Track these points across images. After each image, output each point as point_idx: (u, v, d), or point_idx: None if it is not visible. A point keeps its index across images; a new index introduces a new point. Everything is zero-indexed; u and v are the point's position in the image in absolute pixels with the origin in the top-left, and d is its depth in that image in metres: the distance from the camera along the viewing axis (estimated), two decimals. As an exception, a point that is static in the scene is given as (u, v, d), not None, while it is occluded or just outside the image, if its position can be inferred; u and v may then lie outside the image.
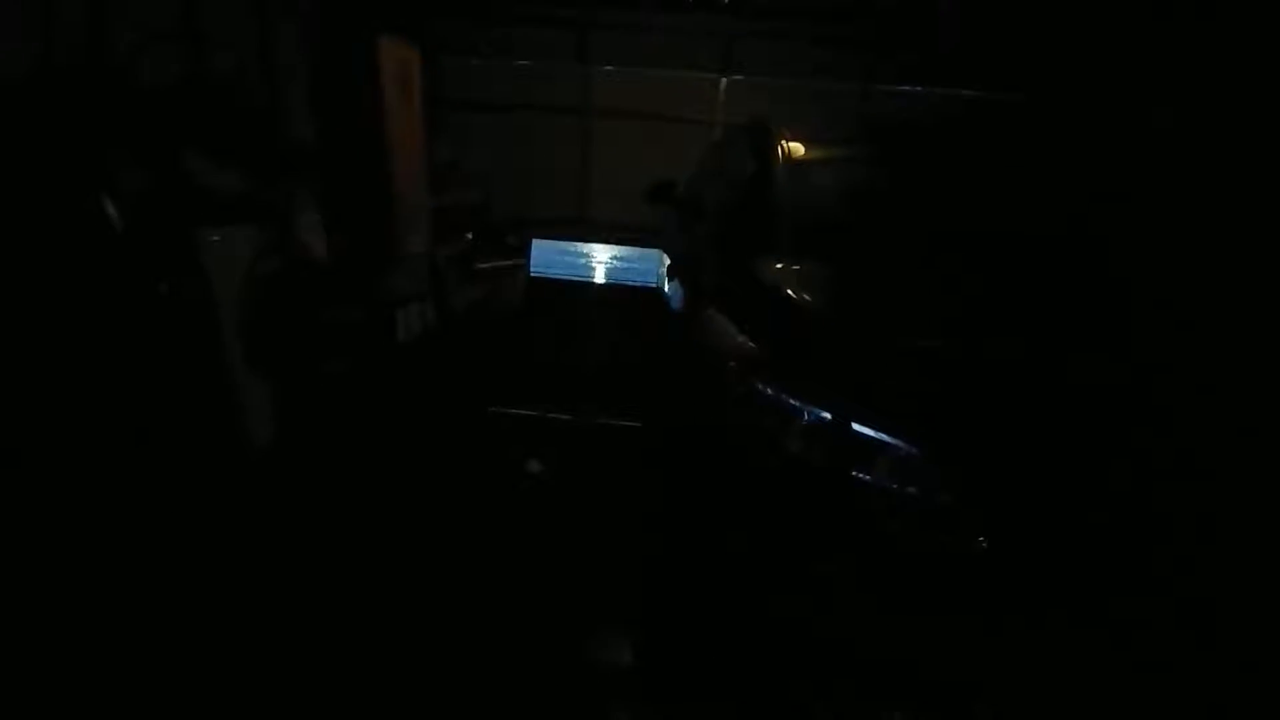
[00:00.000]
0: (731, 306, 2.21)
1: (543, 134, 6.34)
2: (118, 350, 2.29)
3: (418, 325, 3.85)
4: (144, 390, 2.35)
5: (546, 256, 6.56)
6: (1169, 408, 1.70)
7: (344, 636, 1.96)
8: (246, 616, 1.99)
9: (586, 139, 6.39)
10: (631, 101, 6.21)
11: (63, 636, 1.84)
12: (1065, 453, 1.61)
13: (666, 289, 3.72)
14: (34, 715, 1.65)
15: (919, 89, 5.96)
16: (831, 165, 2.77)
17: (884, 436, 1.60)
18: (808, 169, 2.67)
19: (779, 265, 2.22)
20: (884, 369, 1.74)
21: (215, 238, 2.47)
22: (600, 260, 7.21)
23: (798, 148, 2.72)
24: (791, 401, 1.72)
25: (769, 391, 1.77)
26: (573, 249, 7.22)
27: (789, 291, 2.06)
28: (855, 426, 1.62)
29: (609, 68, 6.17)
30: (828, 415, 1.66)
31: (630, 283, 6.41)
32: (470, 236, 4.76)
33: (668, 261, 3.93)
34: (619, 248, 7.08)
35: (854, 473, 1.61)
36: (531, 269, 6.07)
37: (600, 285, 6.33)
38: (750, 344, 1.97)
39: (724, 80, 6.16)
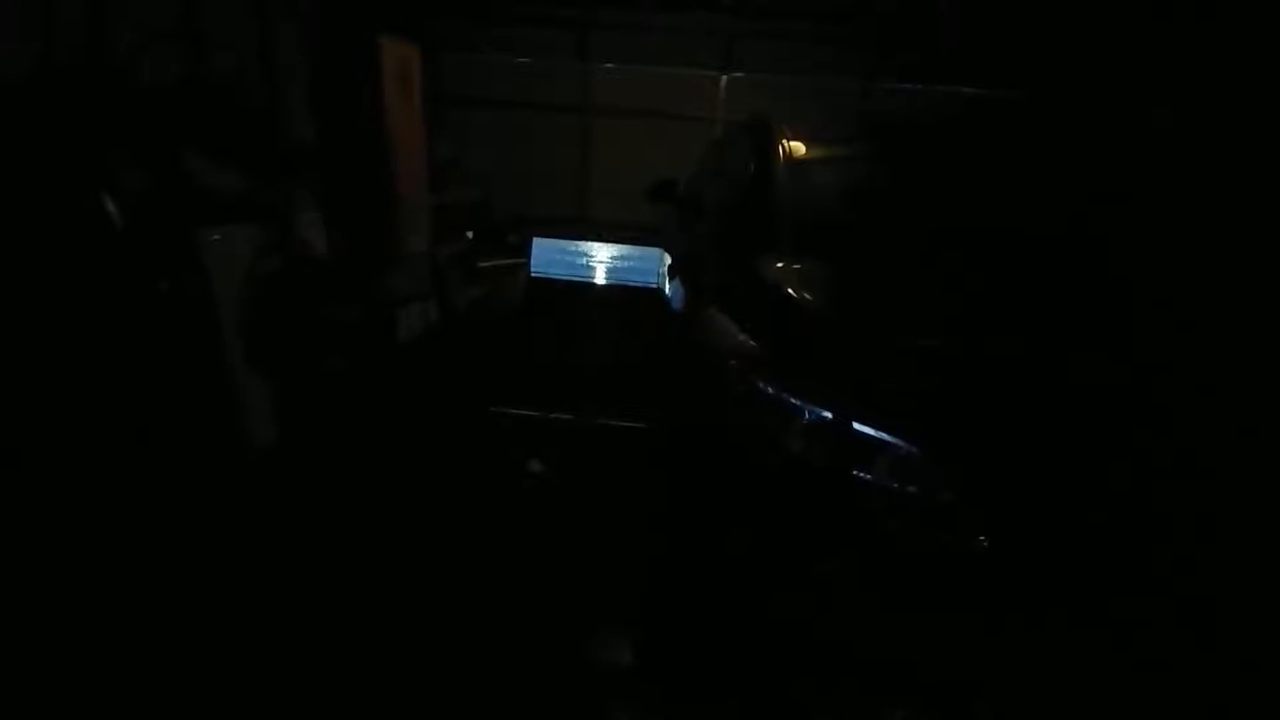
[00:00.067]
0: (732, 305, 2.21)
1: (543, 132, 6.33)
2: (118, 348, 2.29)
3: (419, 324, 3.85)
4: (145, 388, 2.35)
5: (547, 255, 6.57)
6: (1169, 408, 1.70)
7: (345, 636, 1.96)
8: (247, 615, 1.99)
9: (587, 137, 6.39)
10: (632, 99, 6.21)
11: (64, 635, 1.84)
12: (1065, 452, 1.61)
13: (667, 288, 3.72)
14: (35, 715, 1.66)
15: (920, 87, 5.95)
16: (832, 164, 2.77)
17: (885, 435, 1.60)
18: (809, 167, 2.66)
19: (780, 264, 2.22)
20: (885, 368, 1.74)
21: (216, 236, 2.47)
22: (601, 259, 7.21)
23: (799, 146, 2.72)
24: (792, 400, 1.72)
25: (770, 390, 1.77)
26: (573, 248, 7.23)
27: (790, 290, 2.05)
28: (856, 425, 1.62)
29: (609, 65, 6.17)
30: (828, 414, 1.66)
31: (631, 282, 6.43)
32: (471, 235, 4.76)
33: (668, 260, 3.93)
34: (620, 246, 7.08)
35: (855, 472, 1.61)
36: (532, 268, 6.07)
37: (601, 285, 6.33)
38: (751, 343, 1.97)
39: (724, 78, 6.15)
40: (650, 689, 1.90)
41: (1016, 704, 1.61)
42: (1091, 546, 1.56)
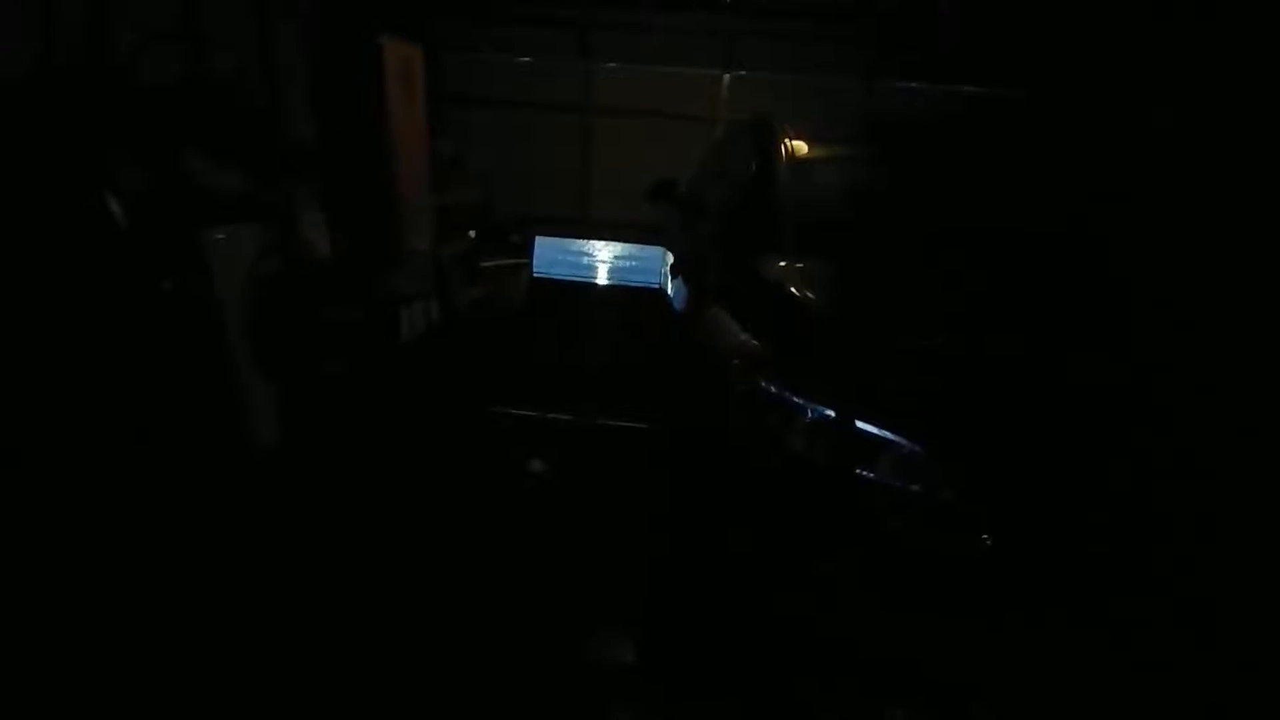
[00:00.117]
0: (735, 304, 2.21)
1: (545, 132, 6.33)
2: (122, 348, 2.29)
3: (421, 324, 3.85)
4: (148, 388, 2.36)
5: (550, 255, 6.58)
6: (1169, 408, 1.70)
7: (347, 635, 1.97)
8: (250, 615, 2.00)
9: (588, 136, 6.38)
10: (634, 99, 6.21)
11: (66, 634, 1.84)
12: (1066, 452, 1.61)
13: (669, 287, 3.72)
14: (37, 715, 1.66)
15: (922, 86, 5.95)
16: (835, 163, 2.77)
17: (887, 434, 1.60)
18: (811, 166, 2.66)
19: (782, 263, 2.22)
20: (887, 367, 1.74)
21: (219, 236, 2.47)
22: (603, 259, 7.22)
23: (801, 145, 2.72)
24: (795, 399, 1.72)
25: (772, 389, 1.77)
26: (576, 247, 7.25)
27: (792, 289, 2.06)
28: (859, 424, 1.63)
29: (611, 65, 6.16)
30: (831, 413, 1.67)
31: (633, 282, 6.43)
32: (473, 235, 4.75)
33: (670, 259, 3.93)
34: (622, 246, 7.09)
35: (857, 470, 1.61)
36: (535, 268, 6.07)
37: (603, 285, 6.33)
38: (754, 342, 1.97)
39: (726, 77, 6.15)
40: (652, 688, 1.91)
41: (1016, 704, 1.61)
42: (1092, 546, 1.57)
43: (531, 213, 6.17)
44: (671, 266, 3.80)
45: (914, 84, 5.97)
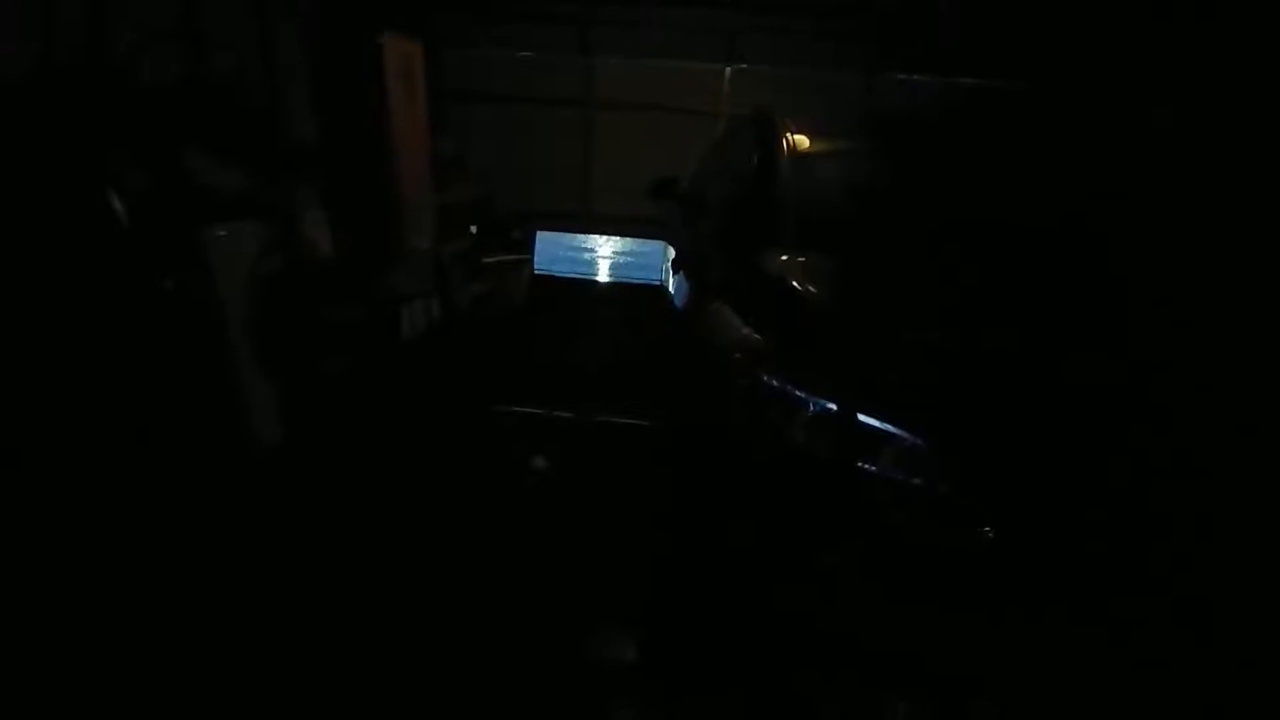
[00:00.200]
0: (737, 299, 2.21)
1: (546, 128, 6.32)
2: (123, 346, 2.30)
3: (422, 322, 3.85)
4: (150, 387, 2.37)
5: (551, 251, 6.57)
6: (1168, 406, 1.69)
7: (348, 633, 1.97)
8: (250, 613, 2.00)
9: (590, 132, 6.37)
10: (635, 94, 6.19)
11: (67, 634, 1.85)
12: (1066, 448, 1.61)
13: (671, 283, 3.72)
14: (37, 714, 1.67)
15: (923, 80, 5.93)
16: (836, 157, 2.76)
17: (889, 428, 1.60)
18: (813, 161, 2.65)
19: (784, 257, 2.22)
20: (889, 361, 1.73)
21: (220, 234, 2.47)
22: (604, 255, 7.20)
23: (802, 140, 2.71)
24: (797, 393, 1.72)
25: (774, 383, 1.77)
26: (577, 242, 7.23)
27: (794, 283, 2.05)
28: (861, 418, 1.62)
29: (612, 60, 6.15)
30: (833, 407, 1.66)
31: (634, 279, 6.42)
32: (474, 232, 4.76)
33: (672, 255, 3.93)
34: (623, 241, 7.07)
35: (859, 464, 1.61)
36: (536, 265, 6.06)
37: (605, 281, 6.33)
38: (755, 336, 1.97)
39: (728, 71, 6.13)
40: (654, 684, 1.91)
41: (1017, 697, 1.61)
42: (1091, 542, 1.56)
43: (533, 208, 6.17)
44: (673, 262, 3.80)
45: (915, 78, 5.94)
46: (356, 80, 3.25)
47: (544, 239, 6.33)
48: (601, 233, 6.92)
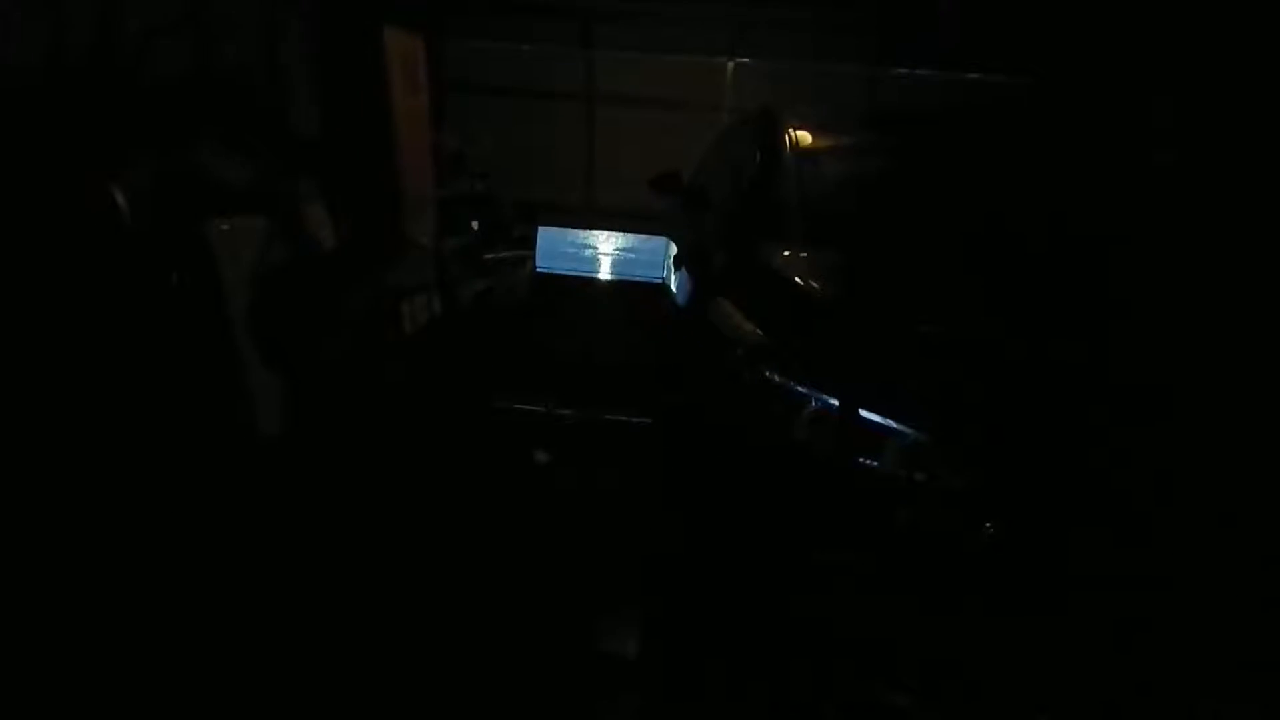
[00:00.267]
0: (739, 294, 2.21)
1: (549, 122, 6.32)
2: (129, 340, 2.30)
3: (423, 317, 3.85)
4: (155, 379, 2.37)
5: (553, 247, 6.57)
6: (1174, 404, 1.69)
7: (348, 625, 1.98)
8: (253, 602, 2.01)
9: (593, 126, 6.37)
10: (639, 88, 6.18)
11: (70, 627, 1.86)
12: (1072, 443, 1.60)
13: (673, 278, 3.72)
14: (40, 707, 1.67)
15: (927, 73, 5.92)
16: (840, 152, 2.75)
17: (892, 423, 1.60)
18: (816, 156, 2.65)
19: (787, 253, 2.21)
20: (893, 356, 1.73)
21: (224, 228, 2.48)
22: (607, 250, 7.20)
23: (806, 135, 2.70)
24: (799, 389, 1.72)
25: (777, 379, 1.77)
26: (579, 238, 7.23)
27: (797, 279, 2.05)
28: (863, 413, 1.62)
29: (616, 54, 6.14)
30: (835, 402, 1.66)
31: (636, 275, 6.42)
32: (476, 226, 4.75)
33: (674, 250, 3.92)
34: (626, 236, 7.07)
35: (862, 460, 1.61)
36: (538, 261, 6.06)
37: (607, 277, 6.32)
38: (758, 332, 1.97)
39: (731, 65, 6.12)
40: (654, 679, 1.92)
41: (1018, 694, 1.61)
42: (1093, 541, 1.56)
43: (536, 203, 6.17)
44: (675, 257, 3.79)
45: (919, 72, 5.93)
46: (358, 73, 3.25)
47: (546, 235, 6.32)
48: (604, 228, 6.91)
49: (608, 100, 6.28)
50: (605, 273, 6.92)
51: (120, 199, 2.25)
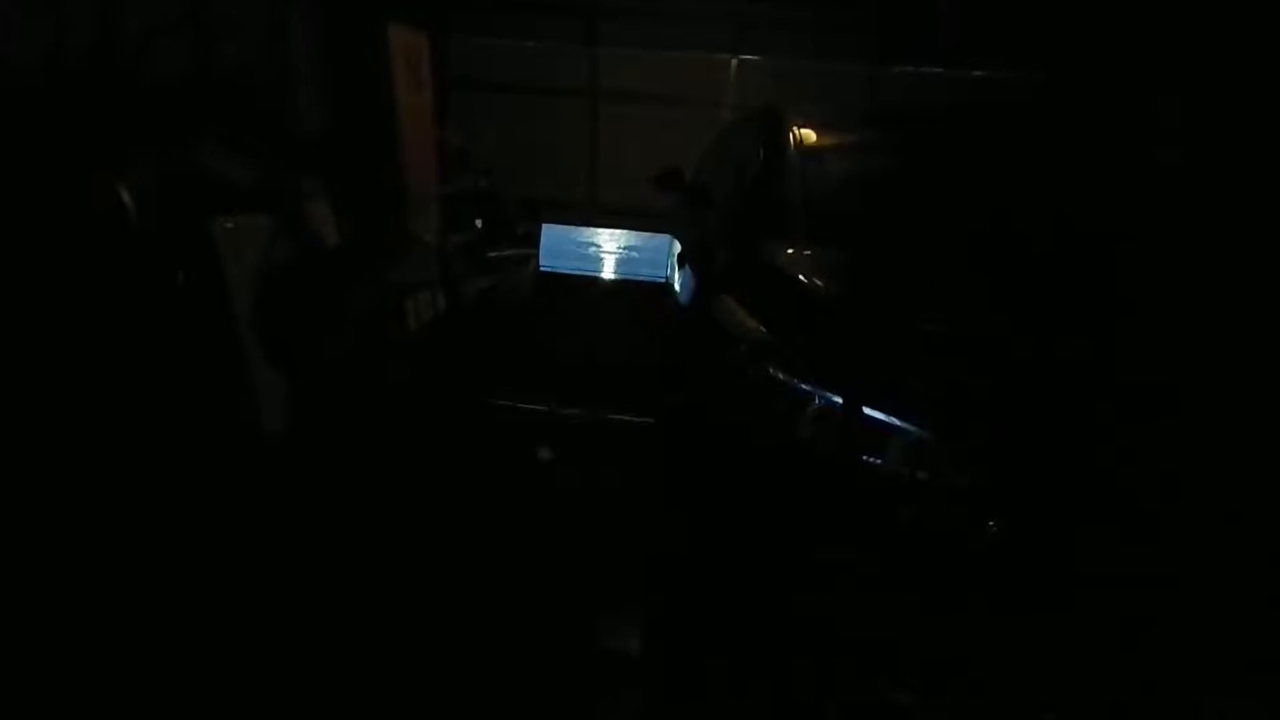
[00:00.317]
0: (742, 292, 2.20)
1: (553, 119, 6.31)
2: (132, 338, 2.31)
3: (427, 314, 3.86)
4: (157, 377, 2.38)
5: (556, 244, 6.57)
6: (1180, 402, 1.68)
7: (349, 623, 1.98)
8: (257, 598, 2.02)
9: (596, 123, 6.36)
10: (642, 84, 6.17)
11: (73, 623, 1.87)
12: (1076, 442, 1.60)
13: (677, 276, 3.71)
14: (41, 705, 1.68)
15: (930, 70, 5.89)
16: (844, 150, 2.74)
17: (896, 421, 1.59)
18: (820, 154, 2.64)
19: (790, 250, 2.21)
20: (897, 354, 1.73)
21: (228, 226, 2.48)
22: (610, 248, 7.20)
23: (809, 133, 2.69)
24: (803, 386, 1.71)
25: (780, 376, 1.77)
26: (583, 236, 7.22)
27: (800, 276, 2.04)
28: (867, 411, 1.62)
29: (619, 50, 6.13)
30: (839, 400, 1.66)
31: (640, 273, 6.41)
32: (479, 224, 4.75)
33: (678, 247, 3.92)
34: (629, 234, 7.07)
35: (865, 458, 1.60)
36: (542, 260, 6.06)
37: (611, 274, 6.32)
38: (761, 329, 1.97)
39: (734, 62, 6.10)
40: (656, 676, 1.92)
41: (1018, 692, 1.61)
42: (1098, 539, 1.55)
43: (539, 201, 6.17)
44: (679, 255, 3.79)
45: (922, 70, 5.91)
46: (362, 70, 3.25)
47: (550, 233, 6.32)
48: (607, 226, 6.91)
49: (611, 97, 6.27)
50: (609, 271, 6.91)
51: (126, 198, 2.25)
